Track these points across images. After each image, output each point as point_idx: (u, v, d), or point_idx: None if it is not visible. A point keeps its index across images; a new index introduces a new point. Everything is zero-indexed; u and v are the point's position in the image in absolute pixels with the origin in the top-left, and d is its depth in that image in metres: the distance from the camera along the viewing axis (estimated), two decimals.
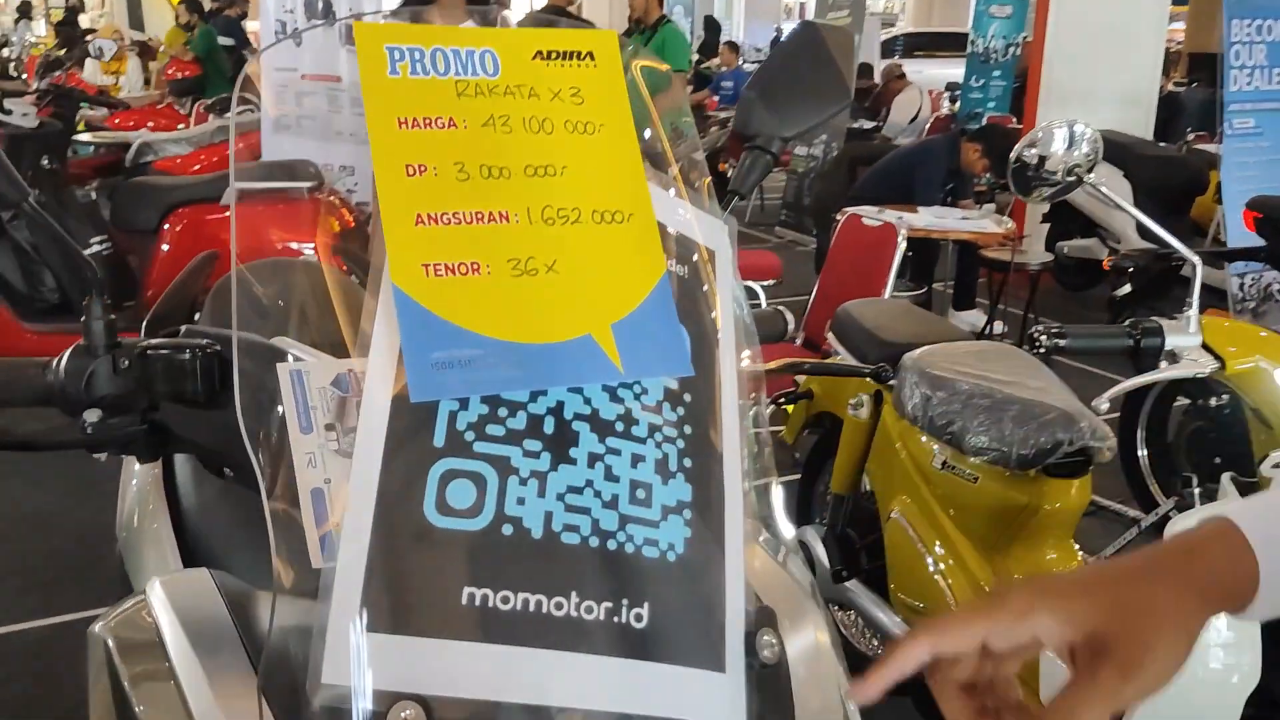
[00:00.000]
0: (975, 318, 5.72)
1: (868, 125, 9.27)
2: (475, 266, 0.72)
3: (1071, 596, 0.66)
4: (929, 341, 2.39)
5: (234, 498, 1.16)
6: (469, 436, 0.69)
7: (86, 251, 4.37)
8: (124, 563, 1.36)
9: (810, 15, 15.45)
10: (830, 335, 2.73)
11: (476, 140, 0.75)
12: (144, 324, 1.47)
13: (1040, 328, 1.49)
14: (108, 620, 0.85)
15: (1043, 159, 1.88)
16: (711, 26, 15.61)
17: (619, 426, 0.73)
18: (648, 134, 0.84)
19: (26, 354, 3.73)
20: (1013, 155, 2.03)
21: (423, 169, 0.73)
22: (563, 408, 0.72)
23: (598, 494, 0.70)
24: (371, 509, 0.66)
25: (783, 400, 2.75)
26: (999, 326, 5.28)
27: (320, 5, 4.50)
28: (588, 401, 0.72)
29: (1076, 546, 2.15)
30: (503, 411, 0.70)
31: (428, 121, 0.74)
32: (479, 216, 0.73)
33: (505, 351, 0.70)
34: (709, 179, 0.92)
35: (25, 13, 9.93)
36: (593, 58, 0.81)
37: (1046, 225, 6.60)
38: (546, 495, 0.69)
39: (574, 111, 0.79)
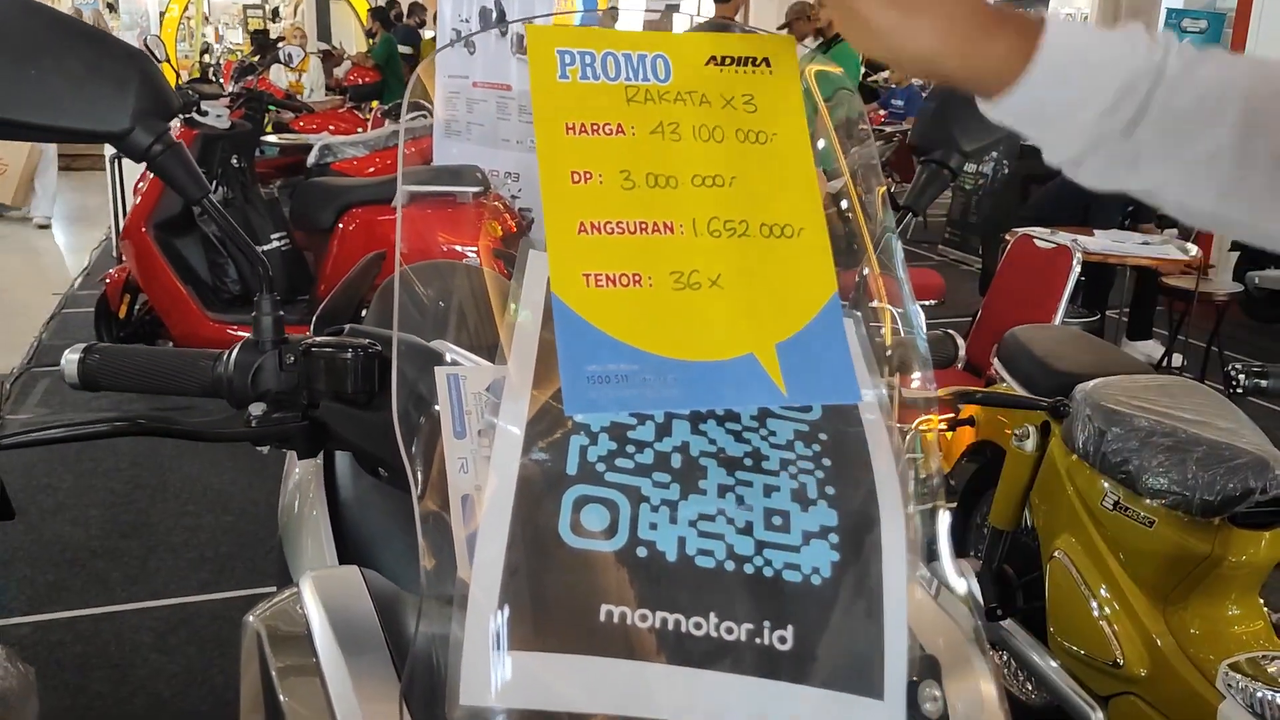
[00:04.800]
0: (1151, 349, 5.43)
1: None
2: (636, 278, 0.70)
3: None
4: (1104, 373, 2.26)
5: (389, 496, 1.18)
6: (600, 468, 0.69)
7: (266, 247, 4.63)
8: (283, 550, 1.40)
9: None
10: (996, 361, 2.62)
11: (644, 147, 0.73)
12: (313, 320, 1.52)
13: (1239, 365, 1.38)
14: (261, 611, 0.87)
15: None
16: None
17: (747, 462, 0.71)
18: (821, 144, 0.81)
19: (208, 341, 3.97)
20: None
21: (588, 176, 0.71)
22: (688, 447, 0.71)
23: (730, 521, 0.69)
24: (506, 528, 0.66)
25: (942, 426, 2.65)
26: (1178, 359, 4.98)
27: (495, 14, 4.62)
28: (713, 442, 0.71)
29: (1262, 602, 2.00)
30: (630, 449, 0.70)
31: (595, 128, 0.73)
32: (643, 226, 0.71)
33: (663, 368, 0.68)
34: (884, 187, 0.88)
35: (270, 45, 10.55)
36: (769, 64, 0.78)
37: (1235, 253, 6.22)
38: (678, 522, 0.68)
39: (746, 120, 0.76)
